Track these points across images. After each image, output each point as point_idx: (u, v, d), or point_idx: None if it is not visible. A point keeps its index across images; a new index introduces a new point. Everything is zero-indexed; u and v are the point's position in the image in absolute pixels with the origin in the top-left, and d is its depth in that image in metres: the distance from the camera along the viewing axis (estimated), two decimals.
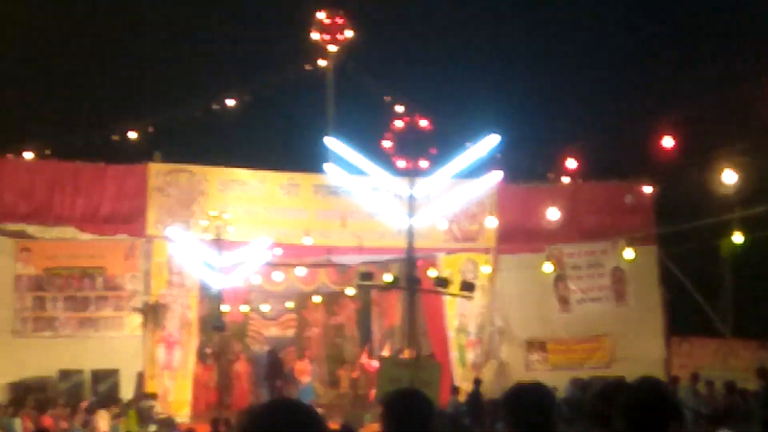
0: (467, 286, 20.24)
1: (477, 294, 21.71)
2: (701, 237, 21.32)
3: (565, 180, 24.11)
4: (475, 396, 19.78)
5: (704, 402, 17.76)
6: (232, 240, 21.68)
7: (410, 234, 18.23)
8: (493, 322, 23.70)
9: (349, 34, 26.61)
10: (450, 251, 23.74)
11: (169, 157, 22.96)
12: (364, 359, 25.71)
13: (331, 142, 20.11)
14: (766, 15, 24.90)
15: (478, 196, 22.35)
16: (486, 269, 23.55)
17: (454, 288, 20.32)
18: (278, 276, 24.92)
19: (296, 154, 25.01)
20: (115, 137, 23.56)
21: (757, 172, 17.76)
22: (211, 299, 22.98)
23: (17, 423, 17.44)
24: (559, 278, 23.71)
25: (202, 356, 23.83)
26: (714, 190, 17.71)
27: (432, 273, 21.98)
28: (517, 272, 23.48)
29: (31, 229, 21.65)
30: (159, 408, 20.64)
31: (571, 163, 20.21)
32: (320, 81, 26.42)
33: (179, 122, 24.66)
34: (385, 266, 23.00)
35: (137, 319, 21.69)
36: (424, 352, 22.31)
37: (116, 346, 21.41)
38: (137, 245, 22.09)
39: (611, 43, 32.51)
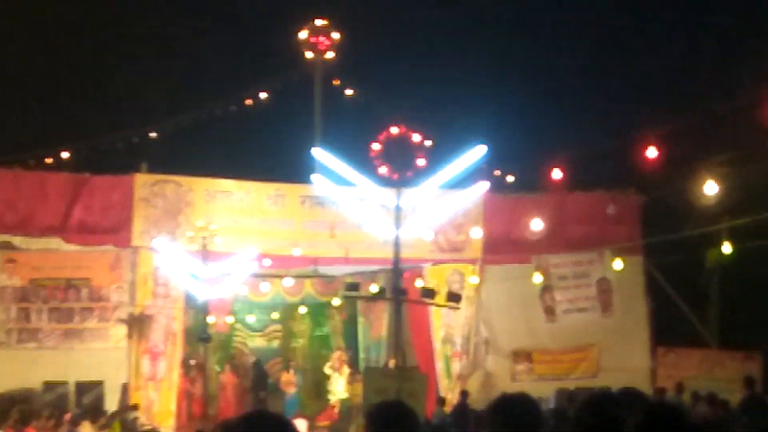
0: (454, 297, 20.25)
1: (463, 304, 21.72)
2: (687, 247, 21.40)
3: (552, 191, 24.14)
4: (461, 407, 19.73)
5: (689, 413, 17.76)
6: (218, 251, 21.61)
7: (397, 245, 18.19)
8: (478, 333, 23.63)
9: (336, 43, 26.62)
10: (436, 262, 23.65)
11: (156, 167, 22.84)
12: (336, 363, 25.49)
13: (318, 152, 20.10)
14: (749, 27, 25.10)
15: (465, 207, 22.32)
16: (473, 280, 23.49)
17: (441, 299, 20.32)
18: (264, 287, 24.84)
19: (283, 164, 25.01)
20: (102, 148, 23.51)
21: (743, 183, 17.86)
22: (196, 310, 22.91)
23: None
24: (546, 289, 23.66)
25: (186, 368, 23.71)
26: (699, 200, 17.79)
27: (419, 283, 21.97)
28: (503, 283, 23.41)
29: (16, 240, 21.52)
30: (143, 419, 20.52)
31: (557, 174, 20.23)
32: (307, 92, 26.46)
33: (166, 133, 24.67)
34: (371, 277, 23.00)
35: (122, 330, 21.55)
36: (409, 363, 22.28)
37: (101, 357, 21.27)
38: (123, 256, 21.95)
39: (596, 55, 32.74)
